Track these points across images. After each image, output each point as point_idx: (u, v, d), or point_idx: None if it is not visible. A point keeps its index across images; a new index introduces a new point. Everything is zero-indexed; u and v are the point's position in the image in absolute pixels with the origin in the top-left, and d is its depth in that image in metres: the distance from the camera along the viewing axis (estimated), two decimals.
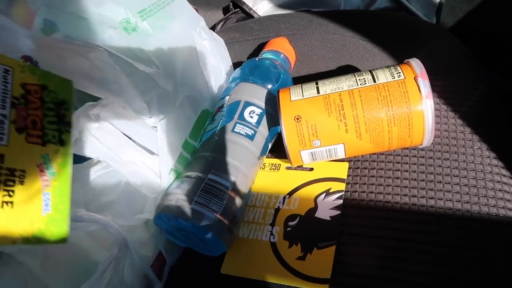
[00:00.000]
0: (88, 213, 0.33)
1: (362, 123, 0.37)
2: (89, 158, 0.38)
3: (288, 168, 0.44)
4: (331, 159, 0.41)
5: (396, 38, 0.54)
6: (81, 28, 0.41)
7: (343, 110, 0.37)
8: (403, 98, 0.36)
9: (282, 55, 0.49)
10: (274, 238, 0.39)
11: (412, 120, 0.36)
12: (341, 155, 0.40)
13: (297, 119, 0.38)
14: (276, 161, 0.45)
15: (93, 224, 0.33)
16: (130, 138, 0.35)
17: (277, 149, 0.46)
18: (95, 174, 0.37)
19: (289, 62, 0.50)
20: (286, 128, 0.38)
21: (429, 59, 0.50)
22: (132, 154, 0.36)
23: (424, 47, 0.52)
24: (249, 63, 0.47)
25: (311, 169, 0.43)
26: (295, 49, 0.53)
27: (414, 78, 0.36)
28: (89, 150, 0.33)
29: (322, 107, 0.37)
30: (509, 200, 0.39)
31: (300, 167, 0.44)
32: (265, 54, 0.49)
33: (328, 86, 0.39)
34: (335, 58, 0.53)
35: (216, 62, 0.50)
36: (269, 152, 0.46)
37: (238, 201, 0.38)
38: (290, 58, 0.50)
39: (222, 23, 0.66)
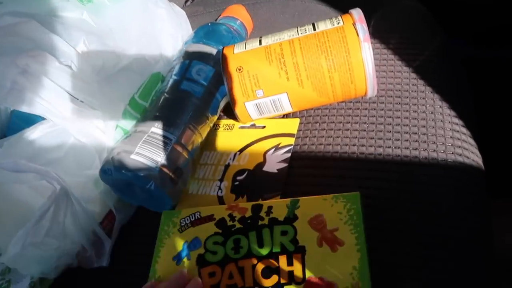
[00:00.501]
0: (26, 163, 0.33)
1: (302, 70, 0.37)
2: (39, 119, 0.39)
3: (241, 127, 0.44)
4: (280, 113, 0.41)
5: (356, 2, 0.54)
6: (32, 2, 0.42)
7: (283, 58, 0.37)
8: (341, 43, 0.36)
9: (238, 21, 0.50)
10: (221, 192, 0.39)
11: (352, 65, 0.36)
12: (288, 107, 0.40)
13: (239, 69, 0.38)
14: (230, 121, 0.45)
15: (32, 175, 0.33)
16: (68, 93, 0.36)
17: (232, 111, 0.46)
18: (41, 132, 0.38)
19: (245, 29, 0.50)
20: (229, 79, 0.38)
21: (387, 18, 0.50)
22: (74, 109, 0.36)
23: (382, 8, 0.52)
24: (203, 27, 0.47)
25: (263, 126, 0.43)
26: (256, 17, 0.53)
27: (353, 24, 0.36)
28: (28, 105, 0.34)
29: (262, 56, 0.37)
30: (459, 146, 0.38)
31: (253, 126, 0.43)
32: (221, 20, 0.50)
33: (270, 38, 0.39)
34: (295, 23, 0.53)
35: (173, 30, 0.50)
36: (224, 114, 0.46)
37: (182, 154, 0.38)
38: (246, 24, 0.51)
39: (190, 0, 0.66)
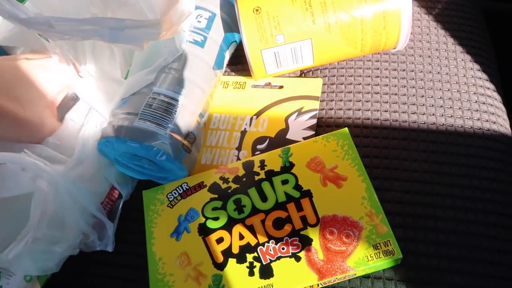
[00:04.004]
0: None
1: (330, 11, 0.31)
2: None
3: (254, 86, 0.38)
4: (298, 67, 0.36)
5: None
6: None
7: None
8: None
9: None
10: None
11: (387, 10, 0.31)
12: (308, 59, 0.34)
13: (257, 10, 0.32)
14: (240, 78, 0.39)
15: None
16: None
17: (241, 66, 0.40)
18: None
19: None
20: (244, 22, 0.32)
21: None
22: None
23: None
24: None
25: (281, 86, 0.38)
26: None
27: None
28: None
29: None
30: (493, 114, 0.36)
31: (268, 85, 0.38)
32: None
33: None
34: None
35: None
36: (232, 70, 0.40)
37: (192, 115, 0.32)
38: None
39: None
